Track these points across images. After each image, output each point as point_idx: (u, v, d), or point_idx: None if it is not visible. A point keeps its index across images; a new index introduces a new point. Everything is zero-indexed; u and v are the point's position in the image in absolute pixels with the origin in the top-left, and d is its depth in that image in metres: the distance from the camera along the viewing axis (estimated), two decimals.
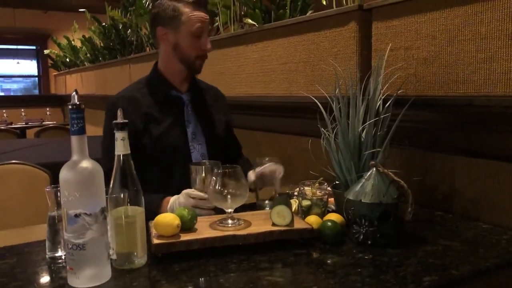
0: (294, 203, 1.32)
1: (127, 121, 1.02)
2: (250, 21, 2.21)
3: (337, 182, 1.39)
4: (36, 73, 10.12)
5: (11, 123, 6.59)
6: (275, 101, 2.11)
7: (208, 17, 1.54)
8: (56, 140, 4.26)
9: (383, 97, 1.35)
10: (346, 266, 1.02)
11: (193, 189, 1.32)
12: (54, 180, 2.16)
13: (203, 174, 1.31)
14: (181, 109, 1.59)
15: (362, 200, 1.13)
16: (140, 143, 1.49)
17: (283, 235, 1.12)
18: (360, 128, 1.32)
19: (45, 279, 1.01)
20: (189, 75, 1.61)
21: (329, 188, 1.35)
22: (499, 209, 1.30)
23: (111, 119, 1.34)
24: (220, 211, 1.22)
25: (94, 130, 5.52)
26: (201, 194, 1.29)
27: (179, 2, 1.50)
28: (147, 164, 1.48)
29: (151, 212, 1.16)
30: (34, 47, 9.96)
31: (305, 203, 1.28)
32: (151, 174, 1.47)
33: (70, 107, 0.91)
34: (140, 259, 1.02)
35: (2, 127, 5.72)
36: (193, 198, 1.29)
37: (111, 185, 1.00)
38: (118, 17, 4.17)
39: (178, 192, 1.34)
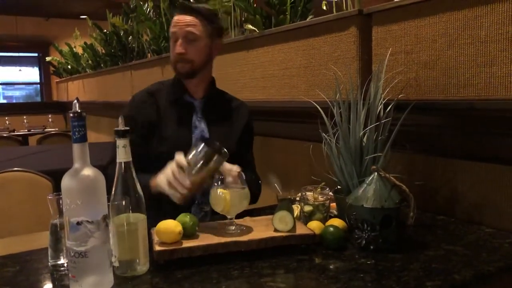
0: (296, 209, 1.32)
1: (128, 128, 1.03)
2: (250, 26, 2.22)
3: (338, 187, 1.39)
4: (38, 80, 10.14)
5: (13, 130, 6.60)
6: (276, 106, 2.11)
7: (185, 21, 1.53)
8: (59, 147, 4.26)
9: (384, 102, 1.35)
10: (348, 272, 1.02)
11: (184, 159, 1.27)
12: (57, 188, 2.16)
13: (199, 151, 1.25)
14: (191, 114, 1.60)
15: (364, 205, 1.13)
16: (151, 135, 1.56)
17: (285, 241, 1.12)
18: (361, 133, 1.32)
19: (47, 287, 1.02)
20: (201, 82, 1.62)
21: (331, 193, 1.35)
22: (502, 212, 1.30)
23: (128, 111, 1.57)
24: (221, 217, 1.22)
25: (97, 136, 5.55)
26: (185, 163, 1.25)
27: None
28: (154, 159, 1.49)
29: (146, 188, 1.23)
30: (36, 54, 9.98)
31: (307, 208, 1.28)
32: (156, 170, 1.47)
33: (71, 115, 0.91)
34: (142, 266, 1.03)
35: (5, 134, 5.73)
36: (174, 169, 1.26)
37: (112, 192, 1.01)
38: (119, 23, 4.19)
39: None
